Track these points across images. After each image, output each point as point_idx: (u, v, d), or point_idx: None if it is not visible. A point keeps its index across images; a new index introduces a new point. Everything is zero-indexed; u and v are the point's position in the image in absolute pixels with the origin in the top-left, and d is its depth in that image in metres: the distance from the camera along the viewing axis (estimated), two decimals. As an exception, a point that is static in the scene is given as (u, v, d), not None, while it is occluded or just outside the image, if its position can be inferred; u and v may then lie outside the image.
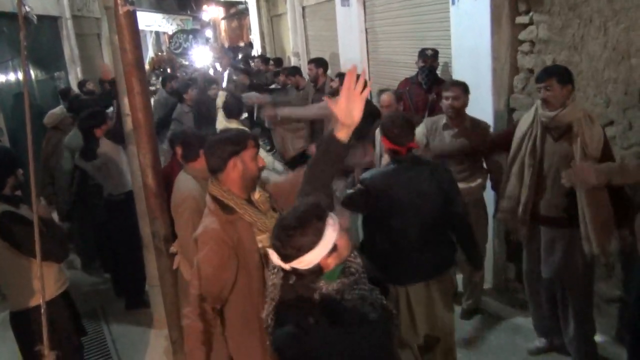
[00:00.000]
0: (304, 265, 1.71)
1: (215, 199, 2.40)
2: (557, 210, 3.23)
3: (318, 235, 1.69)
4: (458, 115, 3.81)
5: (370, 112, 4.88)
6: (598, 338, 3.51)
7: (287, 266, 1.73)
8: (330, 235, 1.70)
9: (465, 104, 3.82)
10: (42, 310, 1.68)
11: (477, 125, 3.86)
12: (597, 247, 3.05)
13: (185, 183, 3.23)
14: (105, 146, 4.82)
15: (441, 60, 5.02)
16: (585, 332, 3.35)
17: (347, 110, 1.92)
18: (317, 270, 1.73)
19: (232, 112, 5.45)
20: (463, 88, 3.80)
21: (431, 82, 4.88)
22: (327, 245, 1.69)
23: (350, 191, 3.02)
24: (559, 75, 3.08)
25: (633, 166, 2.91)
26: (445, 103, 3.83)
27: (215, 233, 2.31)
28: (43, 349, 1.88)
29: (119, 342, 4.46)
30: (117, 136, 4.85)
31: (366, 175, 3.01)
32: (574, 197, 3.07)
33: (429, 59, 4.90)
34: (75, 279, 5.74)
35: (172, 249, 3.39)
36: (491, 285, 4.52)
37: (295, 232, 1.69)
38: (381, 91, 4.80)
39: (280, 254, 1.72)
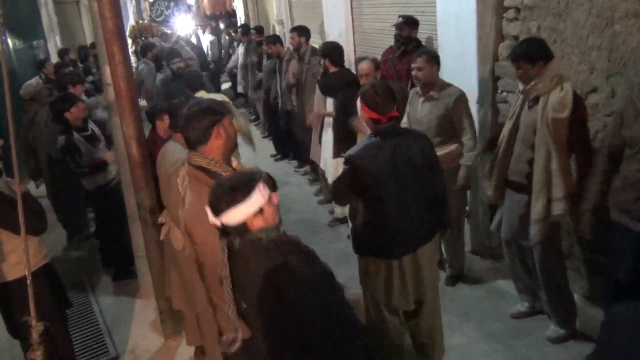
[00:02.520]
0: (230, 220, 1.90)
1: (201, 168, 2.39)
2: (520, 176, 3.32)
3: (246, 194, 1.90)
4: (425, 84, 3.89)
5: (350, 81, 4.87)
6: (576, 299, 3.60)
7: (217, 221, 1.92)
8: (257, 197, 1.91)
9: (430, 74, 3.85)
10: (28, 282, 1.68)
11: (446, 91, 3.87)
12: (534, 215, 3.18)
13: (176, 151, 3.20)
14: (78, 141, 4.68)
15: (426, 27, 4.99)
16: (559, 294, 3.43)
17: None
18: (244, 229, 1.92)
19: (194, 84, 5.33)
20: (427, 59, 3.84)
21: (402, 51, 4.89)
22: (253, 205, 1.90)
23: (338, 178, 3.02)
24: (526, 56, 3.13)
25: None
26: (412, 73, 3.94)
27: None
28: (30, 319, 1.89)
29: (106, 313, 4.48)
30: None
31: (351, 152, 2.98)
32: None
33: (399, 27, 4.88)
34: (61, 250, 5.74)
35: (160, 219, 3.38)
36: (475, 251, 4.59)
37: (228, 189, 1.92)
38: (360, 59, 4.75)
39: (213, 207, 1.92)
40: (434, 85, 3.89)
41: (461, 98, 3.85)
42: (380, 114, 2.88)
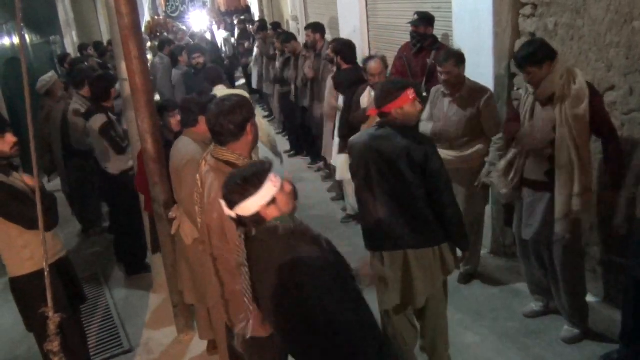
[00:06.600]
0: (245, 211, 1.93)
1: (228, 163, 2.39)
2: (538, 174, 3.29)
3: (258, 186, 1.93)
4: (453, 86, 3.85)
5: (358, 80, 4.85)
6: (590, 300, 3.56)
7: (232, 213, 1.95)
8: (269, 187, 1.94)
9: (458, 75, 3.81)
10: (46, 274, 1.70)
11: (476, 91, 3.84)
12: (559, 213, 3.16)
13: (187, 146, 3.21)
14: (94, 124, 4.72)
15: (441, 23, 4.96)
16: (575, 293, 3.38)
17: None
18: (259, 220, 1.95)
19: (214, 79, 5.36)
20: (455, 62, 3.78)
21: (418, 48, 4.87)
22: (266, 196, 1.93)
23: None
24: (532, 59, 3.11)
25: None
26: (440, 76, 3.87)
27: None
28: (48, 311, 1.92)
29: (120, 306, 4.53)
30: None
31: (352, 139, 3.12)
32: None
33: (415, 24, 4.85)
34: (76, 244, 5.80)
35: (171, 214, 3.41)
36: (489, 250, 4.57)
37: (240, 181, 1.94)
38: (368, 58, 4.55)
39: (227, 199, 1.95)
40: (462, 86, 3.84)
41: (491, 98, 3.84)
42: (376, 107, 2.96)
